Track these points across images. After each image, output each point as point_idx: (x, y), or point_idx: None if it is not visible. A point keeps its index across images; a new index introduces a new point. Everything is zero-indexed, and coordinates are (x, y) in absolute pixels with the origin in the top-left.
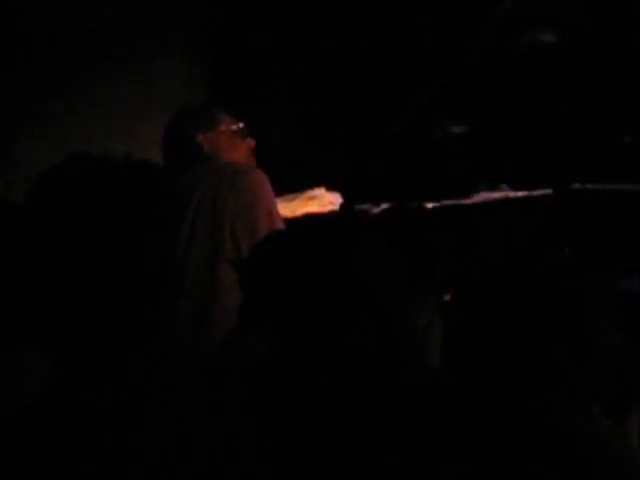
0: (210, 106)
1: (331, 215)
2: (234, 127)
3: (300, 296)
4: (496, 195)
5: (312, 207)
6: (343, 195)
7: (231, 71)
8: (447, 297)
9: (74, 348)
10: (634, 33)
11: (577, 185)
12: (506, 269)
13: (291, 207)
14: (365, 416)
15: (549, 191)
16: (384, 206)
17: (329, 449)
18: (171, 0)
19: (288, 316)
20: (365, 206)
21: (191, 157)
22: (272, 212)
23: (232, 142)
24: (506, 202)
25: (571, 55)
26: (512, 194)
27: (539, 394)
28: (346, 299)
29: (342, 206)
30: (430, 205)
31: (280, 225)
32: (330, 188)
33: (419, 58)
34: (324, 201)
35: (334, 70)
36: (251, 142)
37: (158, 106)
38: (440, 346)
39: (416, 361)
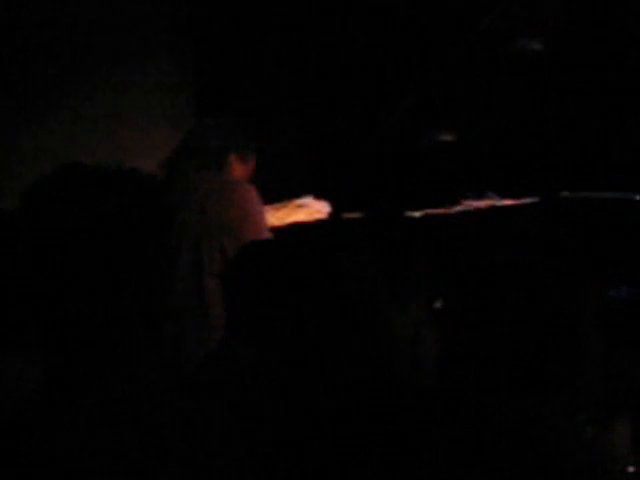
0: (251, 130)
1: (318, 224)
2: (254, 159)
3: (287, 305)
4: (483, 203)
5: (300, 216)
6: (331, 204)
7: (216, 78)
8: (438, 305)
9: (57, 362)
10: (620, 40)
11: (565, 193)
12: (495, 276)
13: (279, 216)
14: (352, 421)
15: (537, 199)
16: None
17: (316, 455)
18: (155, 7)
19: (275, 325)
20: (354, 214)
21: (205, 165)
22: (260, 224)
23: (245, 168)
24: (493, 210)
25: (558, 62)
26: (499, 202)
27: (525, 399)
28: (333, 307)
29: (330, 215)
30: (417, 214)
31: (268, 235)
32: (318, 197)
33: (407, 66)
34: (312, 210)
35: (321, 78)
36: (254, 164)
37: (142, 113)
38: (431, 352)
39: (403, 367)
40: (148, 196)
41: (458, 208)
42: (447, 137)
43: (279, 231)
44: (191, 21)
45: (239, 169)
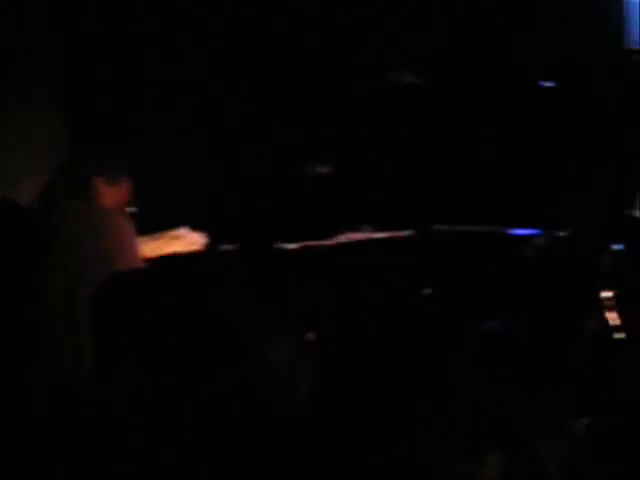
0: (116, 155)
1: (193, 255)
2: (127, 184)
3: (161, 336)
4: (359, 236)
5: (175, 247)
6: (207, 235)
7: (92, 107)
8: (310, 336)
9: None
10: (495, 74)
11: (438, 227)
12: (368, 309)
13: (153, 247)
14: (229, 450)
15: (411, 232)
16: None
17: None
18: (30, 41)
19: (149, 355)
20: (230, 246)
21: (75, 194)
22: (134, 255)
23: (115, 193)
24: (369, 243)
25: (433, 96)
26: (375, 235)
27: (397, 432)
28: (207, 338)
29: (206, 246)
30: (292, 246)
31: (141, 265)
32: (194, 228)
33: (286, 99)
34: (187, 241)
35: (200, 108)
36: (126, 189)
37: (19, 143)
38: (306, 382)
39: (278, 396)
40: (24, 227)
41: (334, 241)
42: (325, 170)
43: (153, 262)
44: (66, 54)
45: (110, 194)
